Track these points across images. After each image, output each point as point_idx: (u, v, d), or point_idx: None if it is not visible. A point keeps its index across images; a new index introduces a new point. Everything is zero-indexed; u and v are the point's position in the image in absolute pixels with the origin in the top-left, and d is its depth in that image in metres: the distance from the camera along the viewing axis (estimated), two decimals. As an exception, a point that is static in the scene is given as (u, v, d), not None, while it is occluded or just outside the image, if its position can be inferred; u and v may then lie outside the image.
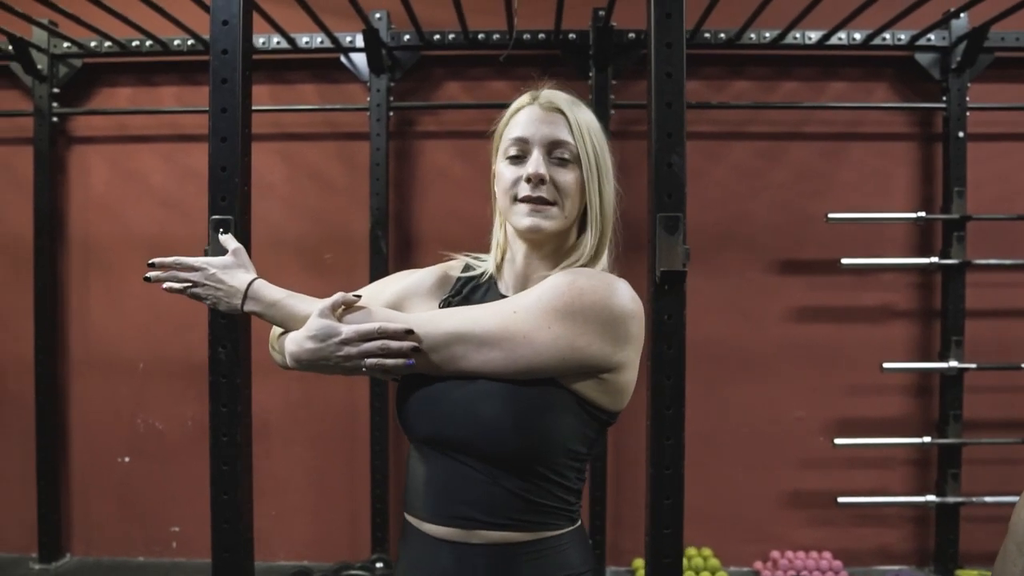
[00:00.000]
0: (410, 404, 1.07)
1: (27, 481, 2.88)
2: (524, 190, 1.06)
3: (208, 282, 1.15)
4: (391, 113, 2.85)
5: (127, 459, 2.96)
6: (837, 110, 2.83)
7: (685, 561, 2.71)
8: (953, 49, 2.72)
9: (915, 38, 2.71)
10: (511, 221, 1.10)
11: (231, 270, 1.17)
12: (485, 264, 1.20)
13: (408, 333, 0.99)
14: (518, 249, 1.13)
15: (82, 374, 2.98)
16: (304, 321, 1.06)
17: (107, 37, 2.74)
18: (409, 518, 1.10)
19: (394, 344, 0.99)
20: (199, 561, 2.88)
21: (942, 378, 2.76)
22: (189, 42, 2.78)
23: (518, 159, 1.09)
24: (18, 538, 2.94)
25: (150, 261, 1.18)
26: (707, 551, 2.76)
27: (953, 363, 2.69)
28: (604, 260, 1.12)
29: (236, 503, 1.40)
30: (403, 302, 1.19)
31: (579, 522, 1.10)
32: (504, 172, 1.10)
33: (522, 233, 1.09)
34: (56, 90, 2.87)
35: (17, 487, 2.93)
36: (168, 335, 2.91)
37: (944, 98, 2.76)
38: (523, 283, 1.13)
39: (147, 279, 1.18)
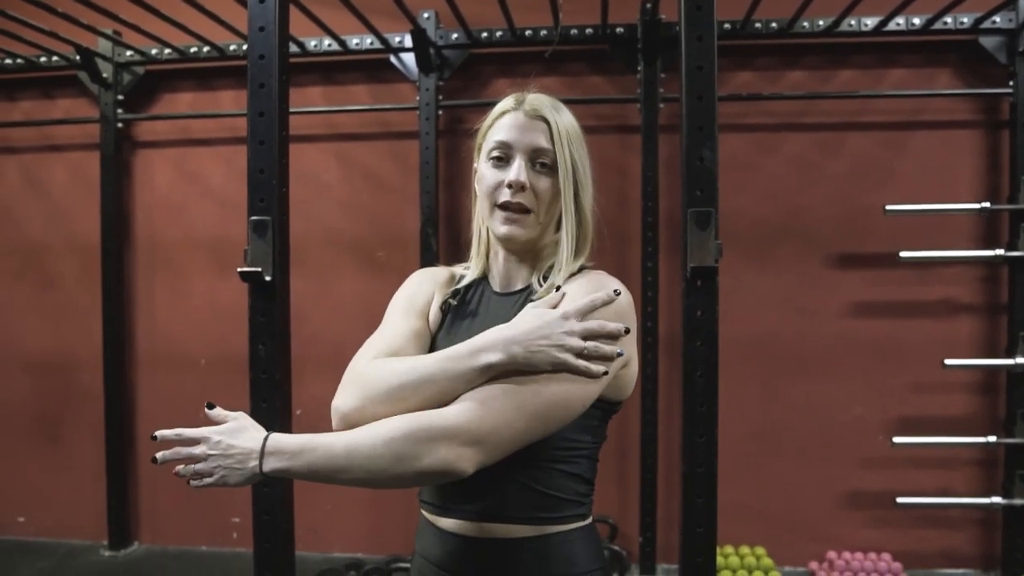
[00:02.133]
0: None
1: (98, 472, 3.03)
2: (504, 195, 1.10)
3: (213, 451, 0.98)
4: (440, 112, 2.88)
5: (191, 452, 3.06)
6: (896, 98, 2.74)
7: (738, 560, 2.67)
8: (1020, 31, 2.60)
9: (979, 21, 2.60)
10: (490, 225, 1.14)
11: (238, 433, 1.00)
12: (473, 270, 1.22)
13: (626, 331, 0.97)
14: (499, 249, 1.18)
15: (148, 370, 3.10)
16: (345, 455, 0.94)
17: (167, 45, 2.84)
18: (422, 511, 1.14)
19: (611, 325, 0.96)
20: (259, 551, 2.97)
21: (1009, 375, 2.65)
22: (244, 47, 2.85)
23: (500, 161, 1.12)
24: (90, 526, 3.08)
25: (153, 434, 1.01)
26: (760, 550, 2.72)
27: (1020, 359, 2.58)
28: (586, 254, 1.16)
29: (276, 496, 1.44)
30: (432, 299, 1.22)
31: (590, 519, 1.11)
32: (486, 174, 1.13)
33: (498, 239, 1.14)
34: (120, 97, 2.99)
35: (89, 478, 3.08)
36: (228, 331, 3.00)
37: (1011, 83, 2.64)
38: (507, 281, 1.17)
39: (154, 461, 1.02)
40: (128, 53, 2.95)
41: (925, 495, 2.65)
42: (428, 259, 2.81)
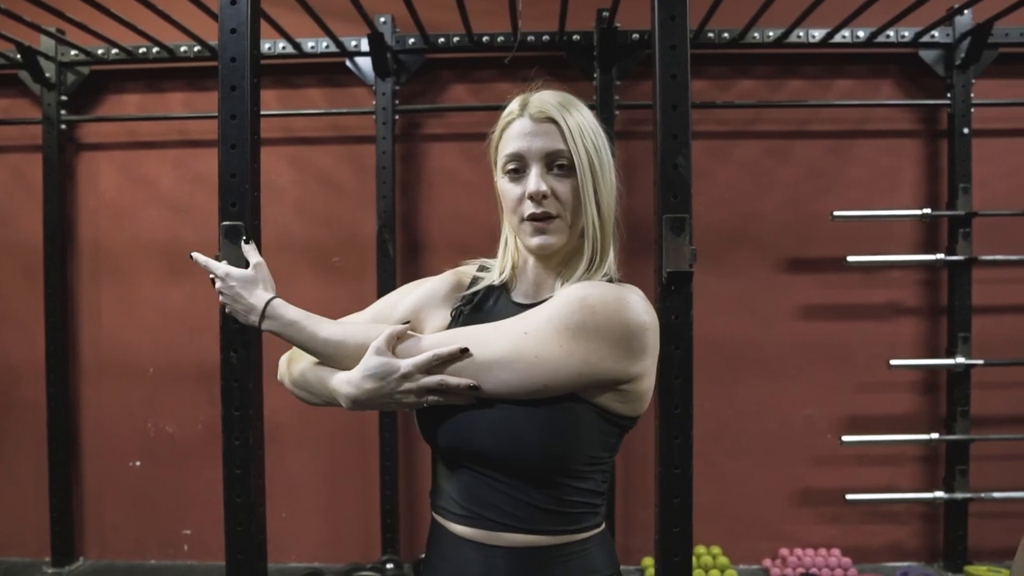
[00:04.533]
0: (430, 416, 1.07)
1: (40, 485, 2.91)
2: (529, 208, 1.05)
3: (227, 292, 1.19)
4: (397, 116, 2.86)
5: (138, 463, 2.98)
6: (843, 108, 2.84)
7: (694, 559, 2.71)
8: (957, 46, 2.72)
9: (919, 35, 2.71)
10: (521, 239, 1.10)
11: (250, 286, 1.18)
12: (493, 271, 1.19)
13: (463, 352, 0.99)
14: (529, 259, 1.14)
15: (93, 379, 3.00)
16: (323, 343, 1.09)
17: (114, 44, 2.76)
18: (436, 516, 1.11)
19: (452, 381, 1.00)
20: (211, 564, 2.90)
21: (949, 374, 2.77)
22: (196, 48, 2.80)
23: (517, 174, 1.08)
24: (32, 542, 2.96)
25: (191, 253, 1.25)
26: (716, 549, 2.77)
27: (960, 359, 2.69)
28: (610, 261, 1.11)
29: (249, 506, 1.42)
30: (419, 313, 1.18)
31: (603, 525, 1.10)
32: (506, 189, 1.09)
33: (532, 251, 1.10)
34: (64, 97, 2.89)
35: (30, 491, 2.95)
36: (178, 339, 2.93)
37: (948, 95, 2.76)
38: (535, 291, 1.14)
39: (191, 257, 1.26)
40: (72, 52, 2.86)
41: (873, 491, 2.74)
42: (385, 264, 2.79)
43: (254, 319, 1.16)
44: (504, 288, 1.17)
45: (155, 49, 2.81)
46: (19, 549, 2.98)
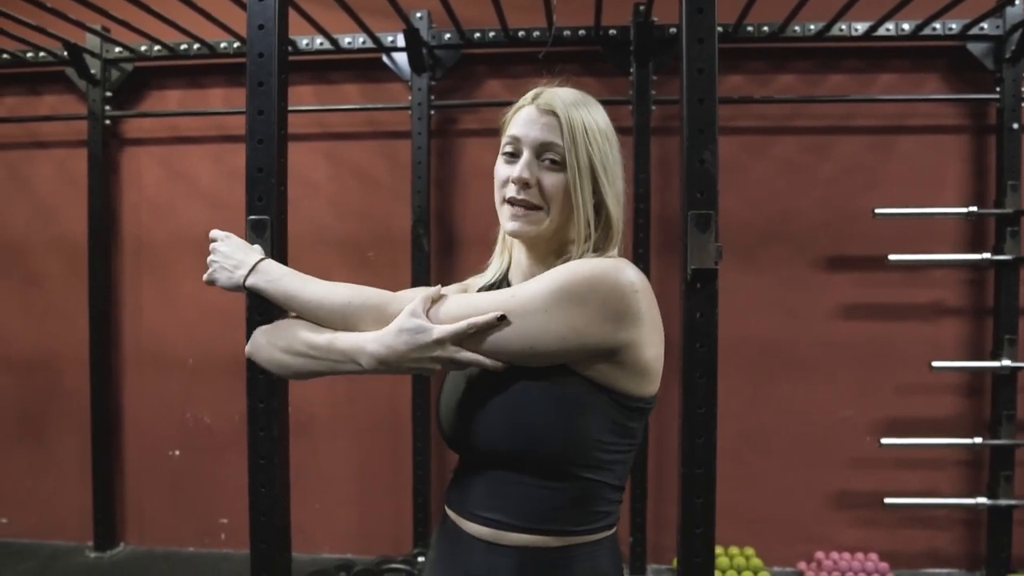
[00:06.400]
0: (444, 414, 1.09)
1: (83, 473, 2.99)
2: (510, 191, 1.07)
3: (223, 248, 1.21)
4: (432, 112, 2.87)
5: (177, 452, 3.05)
6: (886, 103, 2.77)
7: (727, 560, 2.69)
8: (1008, 38, 2.63)
9: (967, 27, 2.63)
10: (500, 221, 1.12)
11: (244, 248, 1.22)
12: (493, 268, 1.21)
13: (501, 319, 0.98)
14: (520, 249, 1.15)
15: (134, 370, 3.07)
16: (308, 303, 1.11)
17: (156, 41, 2.81)
18: (448, 510, 1.11)
19: (487, 362, 1.00)
20: (247, 552, 2.93)
21: (994, 377, 2.68)
22: (235, 45, 2.84)
23: (512, 156, 1.09)
24: (75, 527, 3.04)
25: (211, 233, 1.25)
26: (749, 551, 2.74)
27: (1006, 362, 2.61)
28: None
29: (273, 496, 1.43)
30: None
31: (614, 529, 1.09)
32: (498, 168, 1.11)
33: (507, 234, 1.12)
34: (108, 94, 2.96)
35: (74, 478, 3.04)
36: (216, 332, 2.98)
37: (998, 89, 2.67)
38: (530, 277, 1.12)
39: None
40: (117, 49, 2.92)
41: (912, 495, 2.67)
42: (419, 259, 2.81)
43: (242, 273, 1.17)
44: (506, 281, 1.18)
45: (196, 46, 2.86)
46: (63, 533, 3.07)
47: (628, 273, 1.00)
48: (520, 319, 0.98)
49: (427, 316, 1.02)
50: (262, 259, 1.18)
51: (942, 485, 2.77)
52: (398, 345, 1.01)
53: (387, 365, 1.02)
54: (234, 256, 1.19)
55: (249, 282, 1.16)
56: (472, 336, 0.99)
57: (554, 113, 1.06)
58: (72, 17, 2.51)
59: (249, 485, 1.44)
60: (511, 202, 1.07)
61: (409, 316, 1.01)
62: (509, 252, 1.19)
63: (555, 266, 1.07)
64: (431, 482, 2.86)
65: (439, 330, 0.99)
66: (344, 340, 1.07)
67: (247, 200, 1.39)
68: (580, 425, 0.99)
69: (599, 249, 1.09)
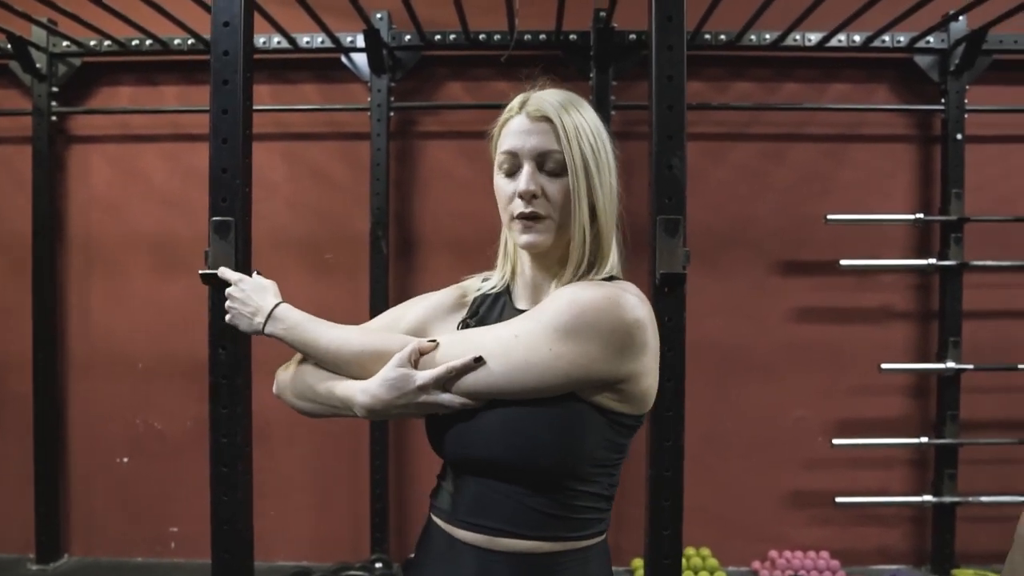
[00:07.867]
0: (439, 427, 1.08)
1: (25, 481, 2.87)
2: (518, 207, 1.05)
3: (238, 295, 1.19)
4: (392, 113, 2.85)
5: (126, 459, 2.95)
6: (838, 112, 2.84)
7: (684, 561, 2.71)
8: (952, 51, 2.73)
9: (914, 40, 2.72)
10: (511, 237, 1.11)
11: (262, 291, 1.19)
12: (495, 279, 1.20)
13: (477, 361, 0.99)
14: (525, 261, 1.13)
15: (81, 373, 2.97)
16: (326, 345, 1.10)
17: (107, 36, 2.73)
18: (435, 517, 1.11)
19: (472, 403, 1.02)
20: (198, 562, 2.88)
21: (939, 379, 2.78)
22: (189, 41, 2.78)
23: (511, 171, 1.08)
24: (16, 538, 2.92)
25: (218, 270, 1.26)
26: (705, 551, 2.77)
27: (951, 364, 2.71)
28: (612, 262, 1.10)
29: (236, 504, 1.40)
30: (425, 326, 1.19)
31: (605, 535, 1.09)
32: (500, 186, 1.10)
33: (521, 248, 1.10)
34: (55, 89, 2.86)
35: (15, 487, 2.92)
36: (168, 334, 2.90)
37: (943, 100, 2.77)
38: (534, 293, 1.13)
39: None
40: (64, 43, 2.83)
41: (862, 494, 2.75)
42: (378, 261, 2.78)
43: (260, 320, 1.15)
44: (507, 294, 1.17)
45: (148, 42, 2.79)
46: (3, 545, 2.95)
47: (632, 305, 1.00)
48: (525, 360, 0.98)
49: (414, 365, 1.03)
50: (278, 304, 1.16)
51: (891, 484, 2.85)
52: (382, 394, 1.03)
53: (375, 413, 1.06)
54: (250, 302, 1.17)
55: (267, 330, 1.15)
56: (472, 376, 1.00)
57: (547, 119, 1.05)
58: (17, 8, 2.43)
59: (211, 493, 1.40)
60: (521, 217, 1.06)
61: (395, 367, 1.03)
62: (512, 262, 1.17)
63: (558, 274, 1.09)
64: (389, 487, 2.83)
65: (421, 377, 1.01)
66: (340, 389, 1.10)
67: (211, 201, 1.36)
68: (577, 443, 1.00)
69: (599, 252, 1.09)
